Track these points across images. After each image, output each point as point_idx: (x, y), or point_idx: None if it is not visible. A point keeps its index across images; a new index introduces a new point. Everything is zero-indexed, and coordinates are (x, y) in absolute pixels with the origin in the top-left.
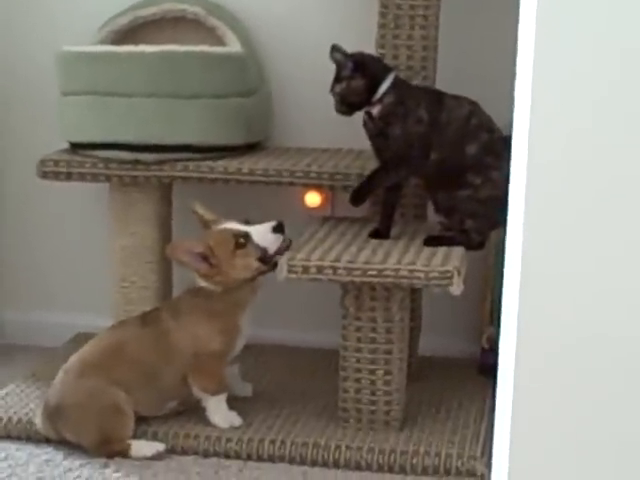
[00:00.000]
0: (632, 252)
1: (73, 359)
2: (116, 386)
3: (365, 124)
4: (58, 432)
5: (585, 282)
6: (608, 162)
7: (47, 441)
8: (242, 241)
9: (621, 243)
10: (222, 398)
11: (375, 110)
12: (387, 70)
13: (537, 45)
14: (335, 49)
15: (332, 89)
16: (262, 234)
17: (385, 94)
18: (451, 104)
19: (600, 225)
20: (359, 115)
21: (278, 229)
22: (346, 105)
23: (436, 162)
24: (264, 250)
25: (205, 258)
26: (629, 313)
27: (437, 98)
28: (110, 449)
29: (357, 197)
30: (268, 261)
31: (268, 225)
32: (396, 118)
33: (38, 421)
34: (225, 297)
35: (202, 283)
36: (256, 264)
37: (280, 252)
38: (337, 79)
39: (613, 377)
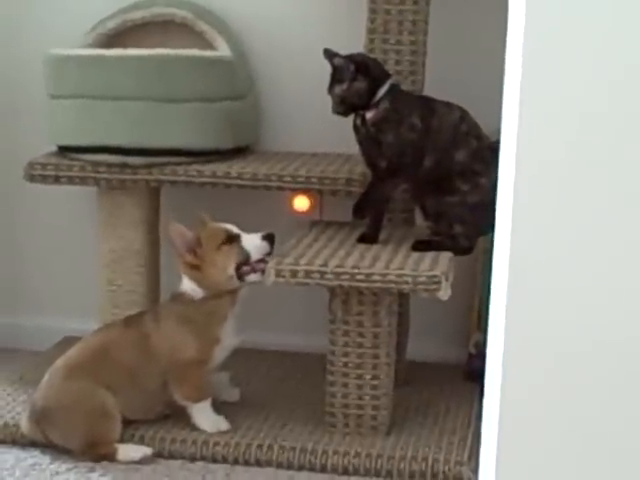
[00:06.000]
0: (620, 258)
1: (59, 362)
2: (103, 388)
3: (356, 127)
4: (44, 435)
5: (573, 288)
6: (596, 168)
7: (33, 445)
8: (230, 239)
9: (609, 249)
10: (206, 404)
11: (369, 114)
12: (386, 75)
13: (525, 51)
14: (331, 53)
15: (330, 90)
16: (251, 240)
17: (382, 99)
18: (442, 110)
19: (588, 231)
20: (347, 120)
21: (267, 238)
22: (345, 106)
23: (429, 168)
24: (247, 255)
25: (192, 248)
26: (617, 319)
27: (429, 105)
28: (97, 453)
29: (358, 210)
30: (245, 271)
31: (259, 233)
32: (389, 125)
33: (24, 424)
34: (203, 306)
35: (185, 285)
36: (232, 267)
37: (256, 269)
38: (337, 80)
39: (601, 383)
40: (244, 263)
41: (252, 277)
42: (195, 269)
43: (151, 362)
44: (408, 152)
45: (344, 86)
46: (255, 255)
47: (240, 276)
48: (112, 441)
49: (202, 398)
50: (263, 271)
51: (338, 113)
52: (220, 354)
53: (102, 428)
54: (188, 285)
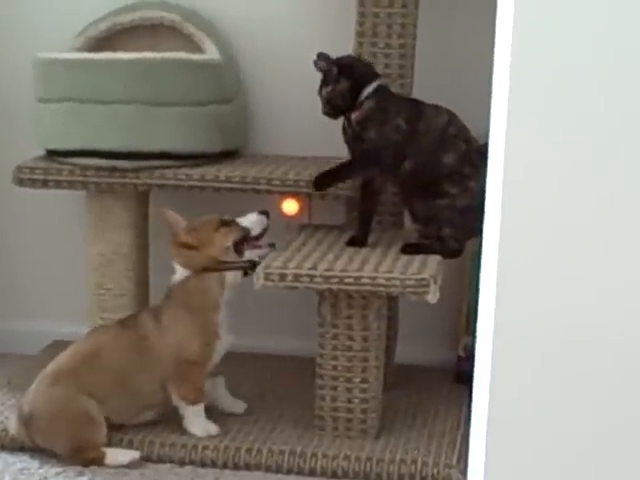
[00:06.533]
0: (607, 259)
1: (49, 367)
2: (87, 394)
3: (344, 129)
4: (31, 439)
5: (561, 290)
6: (584, 171)
7: (22, 449)
8: (225, 222)
9: (597, 251)
10: (200, 407)
11: (354, 115)
12: (374, 76)
13: (513, 54)
14: (319, 57)
15: (320, 92)
16: (247, 218)
17: (366, 99)
18: (430, 114)
19: (576, 233)
20: (336, 123)
21: (263, 213)
22: (331, 107)
23: (412, 171)
24: (247, 230)
25: (187, 231)
26: (605, 320)
27: (417, 108)
28: (85, 457)
29: (320, 183)
30: (246, 247)
31: (254, 212)
32: (373, 123)
33: (12, 427)
34: (192, 284)
35: (177, 275)
36: (230, 241)
37: (257, 245)
38: (324, 83)
39: (589, 385)
40: (244, 240)
41: (254, 253)
42: (191, 249)
43: (147, 364)
44: (388, 151)
45: (329, 88)
46: (256, 229)
47: (239, 252)
48: (99, 445)
49: (199, 400)
50: (269, 246)
51: (327, 115)
52: (219, 351)
53: (87, 433)
54: (181, 274)
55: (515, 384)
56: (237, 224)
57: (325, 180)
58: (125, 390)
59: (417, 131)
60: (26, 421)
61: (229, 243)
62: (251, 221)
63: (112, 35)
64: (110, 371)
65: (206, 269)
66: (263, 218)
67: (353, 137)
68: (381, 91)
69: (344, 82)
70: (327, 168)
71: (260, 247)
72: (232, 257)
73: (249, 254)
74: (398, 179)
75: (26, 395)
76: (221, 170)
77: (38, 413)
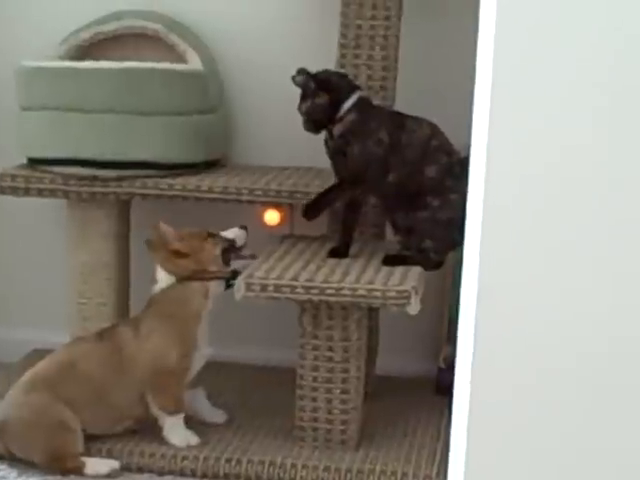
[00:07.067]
0: (588, 271)
1: (25, 375)
2: (63, 403)
3: (326, 142)
4: (6, 447)
5: (541, 302)
6: (565, 184)
7: (1, 458)
8: (211, 234)
9: (577, 264)
10: (180, 417)
11: (336, 128)
12: (353, 88)
13: (495, 67)
14: (298, 73)
15: (299, 108)
16: (230, 231)
17: (348, 112)
18: (412, 126)
19: (556, 246)
20: (318, 135)
21: (243, 228)
22: (312, 122)
23: (394, 183)
24: (232, 240)
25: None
26: (586, 330)
27: (398, 120)
28: (62, 466)
29: (310, 211)
30: (233, 258)
31: (234, 227)
32: (356, 138)
33: None
34: (176, 292)
35: (161, 283)
36: (219, 250)
37: (243, 256)
38: (303, 98)
39: (571, 396)
40: (229, 250)
41: (239, 263)
42: (182, 257)
43: (125, 377)
44: (373, 166)
45: (308, 103)
46: (240, 241)
47: (226, 261)
48: (75, 455)
49: (178, 410)
50: (250, 257)
51: (308, 130)
52: (197, 361)
53: (62, 442)
54: (164, 282)
55: (495, 395)
56: (222, 236)
57: (315, 208)
58: (102, 402)
59: (400, 144)
60: (0, 428)
61: (218, 252)
62: (235, 234)
63: (95, 44)
64: (87, 382)
65: (191, 277)
66: (244, 232)
67: (335, 151)
68: (362, 103)
69: (323, 96)
70: (314, 196)
71: (244, 257)
72: (219, 266)
73: (234, 264)
74: (380, 191)
75: (1, 402)
76: (203, 180)
77: (12, 420)
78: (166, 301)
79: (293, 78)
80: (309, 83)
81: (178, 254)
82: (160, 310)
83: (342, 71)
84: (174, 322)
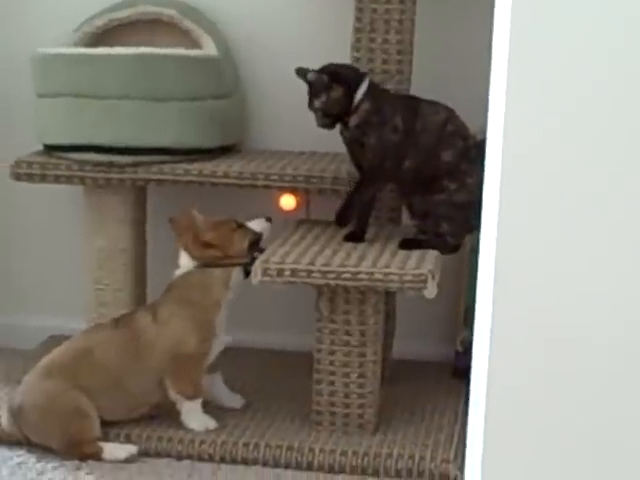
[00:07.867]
0: (604, 255)
1: (41, 362)
2: (78, 390)
3: (341, 132)
4: (22, 432)
5: (558, 285)
6: (581, 167)
7: (19, 444)
8: (239, 224)
9: (594, 247)
10: (198, 402)
11: (352, 119)
12: (361, 76)
13: (511, 49)
14: (298, 72)
15: (310, 105)
16: (257, 223)
17: (361, 101)
18: (427, 111)
19: (573, 229)
20: (333, 129)
21: (269, 219)
22: (327, 117)
23: (411, 169)
24: (259, 234)
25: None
26: (602, 316)
27: (413, 105)
28: (80, 451)
29: (342, 218)
30: (256, 250)
31: (260, 218)
32: (372, 127)
33: (3, 421)
34: (199, 285)
35: (183, 267)
36: (247, 242)
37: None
38: (314, 94)
39: (587, 380)
40: (256, 243)
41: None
42: (212, 248)
43: (141, 363)
44: (390, 154)
45: (322, 98)
46: (266, 234)
47: (251, 252)
48: (92, 440)
49: (197, 395)
50: (261, 251)
51: (323, 126)
52: (216, 348)
53: (78, 428)
54: (187, 266)
55: (513, 378)
56: (250, 228)
57: (345, 214)
58: (118, 389)
59: (415, 129)
60: (15, 414)
61: (246, 245)
62: (262, 227)
63: (110, 30)
64: (103, 369)
65: (213, 264)
66: (269, 225)
67: (352, 140)
68: (373, 89)
69: (337, 88)
70: (342, 202)
71: (263, 250)
72: (244, 257)
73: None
74: (397, 178)
75: (17, 388)
76: (219, 165)
77: (28, 406)
78: (186, 286)
79: (302, 75)
80: (322, 78)
81: (208, 245)
82: (180, 295)
83: (344, 63)
84: (194, 308)
